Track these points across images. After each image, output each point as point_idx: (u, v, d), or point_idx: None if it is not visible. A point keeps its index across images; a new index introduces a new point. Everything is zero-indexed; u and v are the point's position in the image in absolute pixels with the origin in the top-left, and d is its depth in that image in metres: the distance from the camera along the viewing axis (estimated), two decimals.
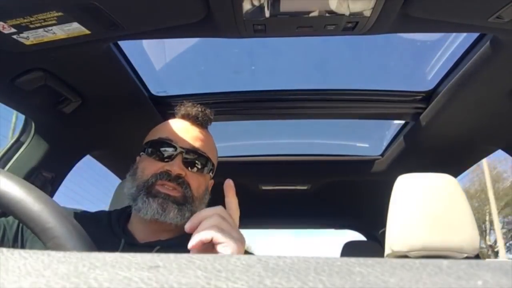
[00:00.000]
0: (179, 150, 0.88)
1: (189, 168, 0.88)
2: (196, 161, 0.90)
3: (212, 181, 0.99)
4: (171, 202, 0.84)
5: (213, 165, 0.95)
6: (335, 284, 0.18)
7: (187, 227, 0.63)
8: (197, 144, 0.91)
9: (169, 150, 0.88)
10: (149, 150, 0.90)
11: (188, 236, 0.91)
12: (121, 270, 0.20)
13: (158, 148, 0.90)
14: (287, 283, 0.18)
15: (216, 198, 1.01)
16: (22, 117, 1.26)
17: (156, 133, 0.94)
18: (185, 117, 0.95)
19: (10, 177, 0.43)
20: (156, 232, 0.88)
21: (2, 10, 0.80)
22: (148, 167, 0.88)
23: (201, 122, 0.95)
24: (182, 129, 0.93)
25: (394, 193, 0.98)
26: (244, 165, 1.98)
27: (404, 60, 1.58)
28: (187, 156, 0.88)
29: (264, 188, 2.12)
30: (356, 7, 0.85)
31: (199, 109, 0.95)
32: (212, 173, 0.96)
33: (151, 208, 0.83)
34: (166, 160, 0.88)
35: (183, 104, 0.97)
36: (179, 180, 0.86)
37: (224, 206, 0.68)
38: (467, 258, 0.91)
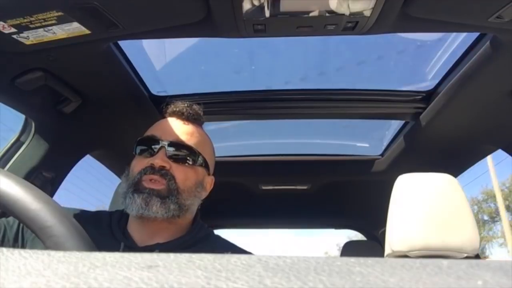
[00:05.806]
0: (162, 143, 0.89)
1: (175, 161, 0.89)
2: (181, 153, 0.90)
3: (210, 178, 0.98)
4: (155, 196, 0.84)
5: (204, 159, 0.94)
6: (335, 284, 0.18)
7: None
8: (182, 137, 0.91)
9: (154, 146, 0.90)
10: (138, 149, 0.92)
11: (187, 238, 0.91)
12: (121, 270, 0.20)
13: (144, 145, 0.92)
14: (287, 283, 0.18)
15: (216, 197, 1.02)
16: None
17: (146, 133, 0.96)
18: (172, 113, 0.97)
19: (10, 176, 0.43)
20: (153, 232, 0.88)
21: (2, 10, 0.80)
22: (136, 165, 0.90)
23: (187, 117, 0.95)
24: (168, 124, 0.95)
25: (394, 193, 0.98)
26: (244, 165, 1.98)
27: (404, 60, 1.58)
28: (170, 148, 0.89)
29: (264, 188, 2.12)
30: (356, 7, 0.85)
31: (185, 105, 0.97)
32: (206, 168, 0.95)
33: (136, 203, 0.84)
34: (151, 155, 0.89)
35: (173, 102, 0.99)
36: (162, 171, 0.87)
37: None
38: (467, 258, 0.91)
